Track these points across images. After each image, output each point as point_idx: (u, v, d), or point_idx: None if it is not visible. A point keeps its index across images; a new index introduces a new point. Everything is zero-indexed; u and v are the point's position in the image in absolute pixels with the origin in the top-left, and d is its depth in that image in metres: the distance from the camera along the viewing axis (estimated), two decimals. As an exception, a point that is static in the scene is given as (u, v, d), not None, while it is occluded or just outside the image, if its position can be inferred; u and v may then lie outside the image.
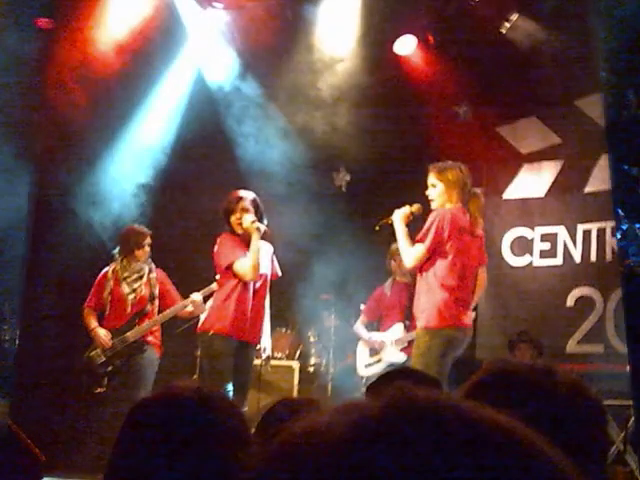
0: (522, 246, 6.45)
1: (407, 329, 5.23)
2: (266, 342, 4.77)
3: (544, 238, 6.37)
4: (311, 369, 6.20)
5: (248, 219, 4.43)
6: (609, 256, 6.04)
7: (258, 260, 4.42)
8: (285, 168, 6.58)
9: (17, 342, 5.79)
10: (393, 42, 6.55)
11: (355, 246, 6.06)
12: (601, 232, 6.08)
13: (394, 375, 2.09)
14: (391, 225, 4.34)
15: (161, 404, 1.19)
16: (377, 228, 4.58)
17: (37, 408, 5.55)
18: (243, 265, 4.40)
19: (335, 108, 6.62)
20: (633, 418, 4.97)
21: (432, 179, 4.23)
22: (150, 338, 4.97)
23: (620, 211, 4.97)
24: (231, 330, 4.38)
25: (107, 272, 5.02)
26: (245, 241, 4.50)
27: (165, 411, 1.16)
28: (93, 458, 4.72)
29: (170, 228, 6.29)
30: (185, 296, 4.96)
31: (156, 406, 1.20)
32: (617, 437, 5.06)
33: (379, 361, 5.36)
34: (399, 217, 4.29)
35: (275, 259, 4.78)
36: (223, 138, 6.80)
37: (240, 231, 4.50)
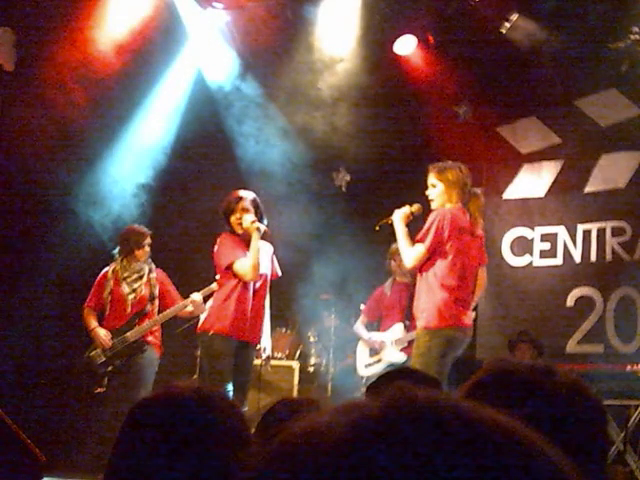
0: (522, 246, 6.45)
1: (407, 329, 5.22)
2: (266, 342, 4.74)
3: (544, 238, 6.36)
4: (311, 369, 6.20)
5: (248, 219, 4.45)
6: (609, 256, 6.03)
7: (258, 260, 4.42)
8: (285, 168, 6.58)
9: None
10: (393, 42, 6.55)
11: (355, 246, 6.05)
12: (601, 232, 6.06)
13: (394, 375, 2.09)
14: (391, 225, 4.34)
15: (161, 404, 1.19)
16: (377, 228, 4.58)
17: (37, 408, 5.53)
18: (243, 265, 4.40)
19: (335, 108, 6.62)
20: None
21: (432, 179, 4.23)
22: (150, 338, 4.96)
23: None
24: (231, 330, 4.38)
25: (107, 272, 5.01)
26: (245, 241, 4.50)
27: (165, 411, 1.16)
28: (93, 458, 4.71)
29: (170, 228, 6.27)
30: (185, 296, 4.94)
31: (156, 406, 1.20)
32: (617, 437, 5.06)
33: (379, 361, 5.34)
34: (399, 217, 4.30)
35: (275, 259, 4.78)
36: (223, 138, 6.80)
37: (240, 231, 4.51)
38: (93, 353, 4.86)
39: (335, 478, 0.40)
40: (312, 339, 6.22)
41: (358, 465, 0.40)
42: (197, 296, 4.78)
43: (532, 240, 6.39)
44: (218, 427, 1.15)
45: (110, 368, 4.83)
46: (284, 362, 6.07)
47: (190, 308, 4.87)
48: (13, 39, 5.90)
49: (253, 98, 6.75)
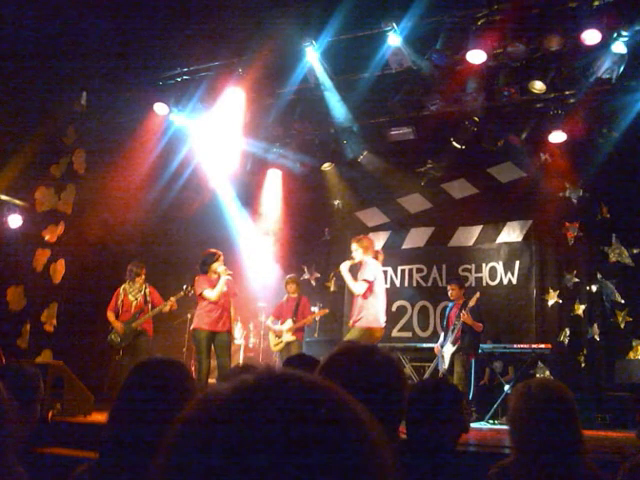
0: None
1: (294, 322, 9.08)
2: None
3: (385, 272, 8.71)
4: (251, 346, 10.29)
5: (220, 268, 7.43)
6: (414, 283, 9.59)
7: (221, 291, 7.37)
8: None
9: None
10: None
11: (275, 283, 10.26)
12: (410, 270, 10.58)
13: (292, 359, 2.86)
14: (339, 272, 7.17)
15: (149, 364, 2.00)
16: (332, 275, 8.89)
17: (83, 368, 8.02)
18: (209, 294, 7.35)
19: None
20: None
21: (354, 245, 7.22)
22: (146, 326, 8.14)
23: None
24: (205, 326, 7.34)
25: (119, 289, 8.25)
26: (211, 280, 7.44)
27: (152, 369, 1.97)
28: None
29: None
30: (166, 299, 8.16)
31: (147, 365, 1.99)
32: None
33: (281, 341, 9.10)
34: (346, 267, 7.05)
35: (234, 284, 7.64)
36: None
37: (214, 275, 7.44)
38: (114, 336, 8.05)
39: (225, 422, 0.60)
40: (252, 329, 10.24)
41: (239, 411, 0.61)
42: (172, 299, 8.03)
43: (386, 272, 10.09)
44: (177, 377, 1.94)
45: (123, 344, 7.99)
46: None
47: (168, 307, 8.07)
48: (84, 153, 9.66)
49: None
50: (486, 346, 8.40)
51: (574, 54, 7.52)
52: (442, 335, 8.10)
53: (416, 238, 10.51)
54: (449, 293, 8.27)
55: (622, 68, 7.34)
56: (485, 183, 9.92)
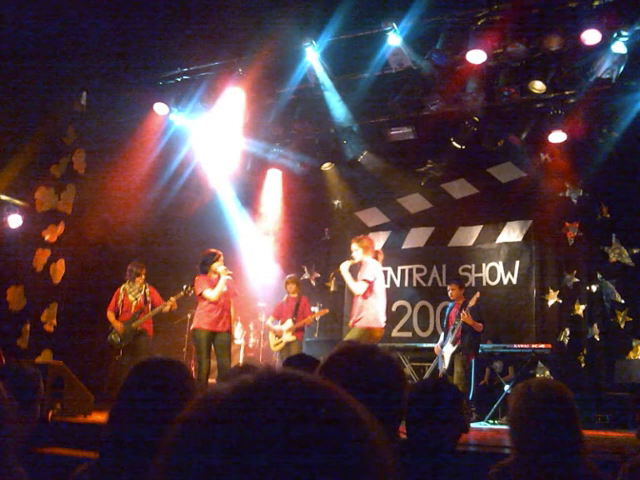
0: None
1: (294, 322, 9.04)
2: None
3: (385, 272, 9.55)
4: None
5: (220, 268, 7.42)
6: (414, 283, 10.43)
7: (221, 291, 7.36)
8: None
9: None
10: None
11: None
12: (410, 270, 10.14)
13: (292, 359, 2.84)
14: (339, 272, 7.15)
15: (149, 364, 1.99)
16: (332, 275, 8.63)
17: (83, 368, 8.15)
18: (209, 294, 7.34)
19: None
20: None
21: (354, 245, 7.20)
22: (146, 326, 8.16)
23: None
24: (206, 325, 7.33)
25: (119, 289, 8.27)
26: (211, 280, 7.43)
27: (151, 369, 1.95)
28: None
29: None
30: (166, 299, 8.14)
31: (146, 365, 1.98)
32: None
33: (281, 341, 9.08)
34: (345, 267, 7.05)
35: (234, 284, 7.60)
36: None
37: (214, 275, 7.44)
38: (113, 336, 8.10)
39: (225, 422, 0.60)
40: (252, 329, 10.34)
41: (239, 411, 0.61)
42: (172, 299, 8.01)
43: (386, 272, 10.09)
44: (177, 377, 1.94)
45: (123, 344, 8.04)
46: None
47: (168, 307, 8.05)
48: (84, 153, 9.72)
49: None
50: (486, 346, 8.39)
51: (574, 54, 7.52)
52: (442, 335, 8.10)
53: (416, 238, 10.51)
54: (449, 293, 8.27)
55: (622, 68, 7.33)
56: (485, 183, 9.92)
